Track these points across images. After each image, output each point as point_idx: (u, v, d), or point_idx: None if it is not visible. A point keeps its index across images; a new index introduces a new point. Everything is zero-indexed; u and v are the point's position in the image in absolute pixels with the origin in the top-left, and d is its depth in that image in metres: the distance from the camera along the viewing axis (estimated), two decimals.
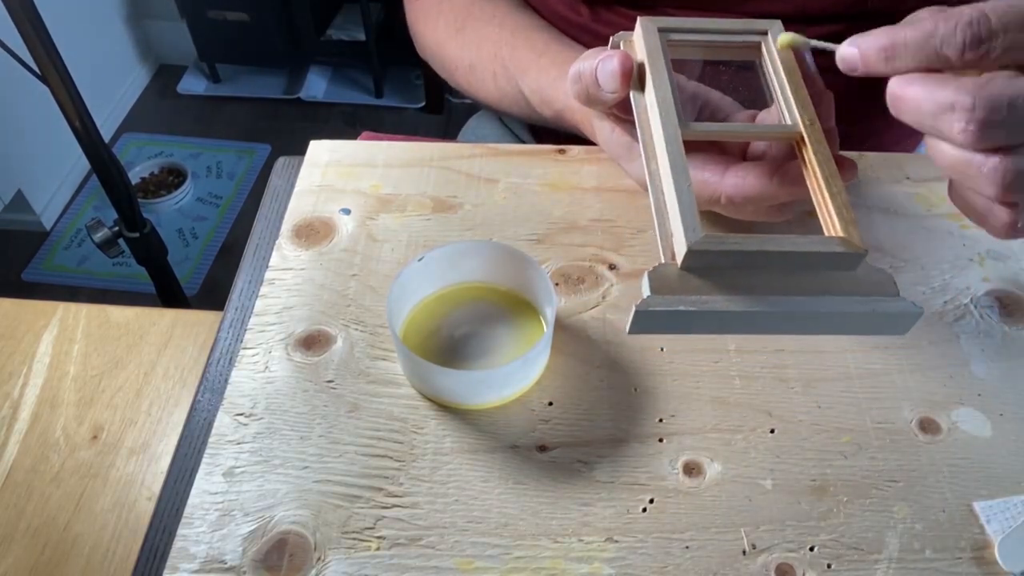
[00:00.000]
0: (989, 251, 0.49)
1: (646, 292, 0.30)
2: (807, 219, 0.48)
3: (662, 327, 0.31)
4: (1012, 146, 0.30)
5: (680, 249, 0.31)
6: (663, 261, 0.32)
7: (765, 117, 0.41)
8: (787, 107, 0.37)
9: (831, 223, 0.33)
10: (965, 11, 0.29)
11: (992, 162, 0.30)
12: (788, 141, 0.37)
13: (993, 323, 0.46)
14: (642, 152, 0.36)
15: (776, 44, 0.38)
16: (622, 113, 0.45)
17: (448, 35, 0.64)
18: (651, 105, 0.37)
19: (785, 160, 0.40)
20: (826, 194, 0.33)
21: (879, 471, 0.40)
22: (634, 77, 0.39)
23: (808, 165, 0.35)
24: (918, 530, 0.38)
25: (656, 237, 0.32)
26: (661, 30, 0.39)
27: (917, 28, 0.30)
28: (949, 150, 0.31)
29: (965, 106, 0.29)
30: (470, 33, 0.62)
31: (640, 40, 0.39)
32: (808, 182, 0.35)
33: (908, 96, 0.31)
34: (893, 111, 0.32)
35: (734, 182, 0.40)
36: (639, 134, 0.37)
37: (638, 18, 0.40)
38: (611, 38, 0.42)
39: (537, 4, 0.63)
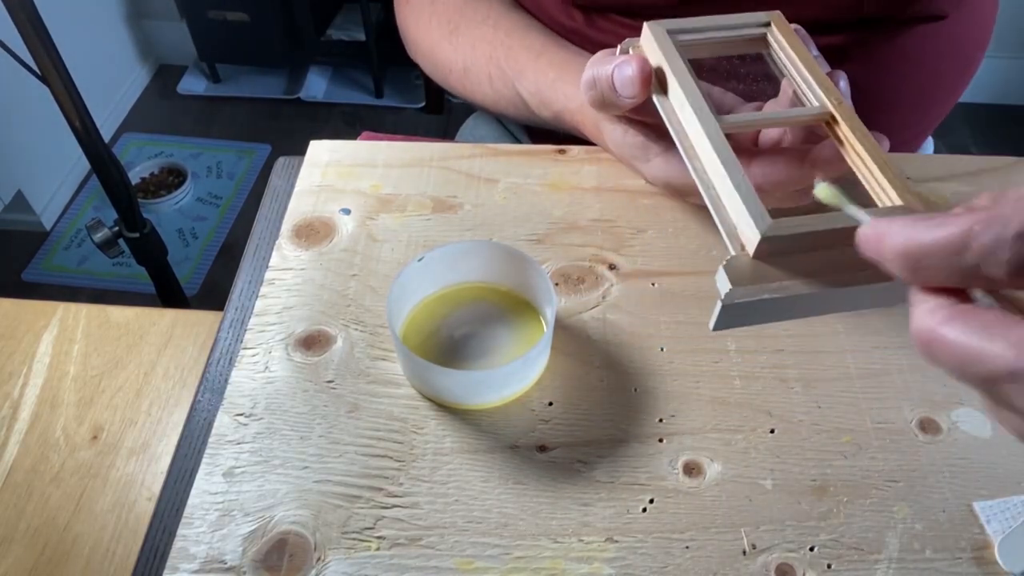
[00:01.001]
0: None
1: (725, 287, 0.29)
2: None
3: (744, 319, 0.30)
4: None
5: (751, 239, 0.30)
6: (732, 254, 0.31)
7: (773, 107, 0.41)
8: (810, 90, 0.37)
9: (883, 193, 0.32)
10: (1014, 217, 0.21)
11: None
12: (819, 122, 0.37)
13: None
14: (682, 153, 0.36)
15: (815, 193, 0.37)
16: (634, 115, 0.45)
17: (441, 36, 0.63)
18: (681, 106, 0.37)
19: (802, 144, 0.40)
20: (872, 166, 0.33)
21: (879, 471, 0.40)
22: (653, 81, 0.39)
23: (845, 142, 0.35)
24: (918, 530, 0.38)
25: (720, 232, 0.32)
26: (669, 32, 0.39)
27: (948, 229, 0.22)
28: (1016, 420, 0.23)
29: (1011, 374, 0.21)
30: (464, 35, 0.61)
31: (651, 43, 0.39)
32: (848, 158, 0.35)
33: (943, 350, 0.23)
34: (923, 356, 0.24)
35: (762, 171, 0.40)
36: (674, 136, 0.37)
37: (645, 23, 0.40)
38: (619, 45, 0.42)
39: (531, 8, 0.63)
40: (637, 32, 0.62)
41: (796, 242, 0.30)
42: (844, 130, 0.35)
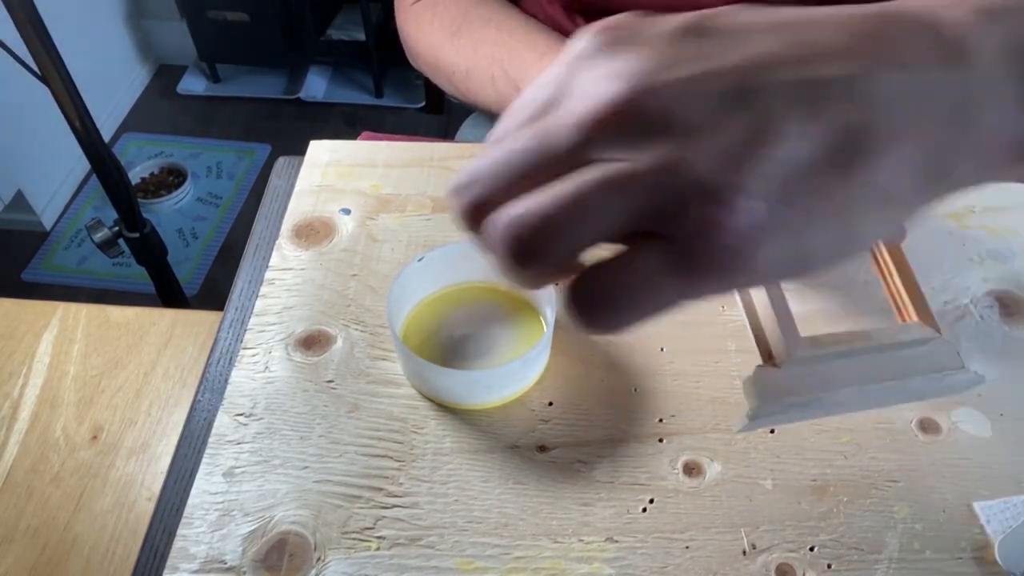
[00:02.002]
0: (989, 251, 0.49)
1: (753, 401, 0.31)
2: None
3: (767, 424, 0.32)
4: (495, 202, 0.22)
5: (779, 352, 0.32)
6: (759, 362, 0.32)
7: None
8: None
9: (904, 308, 0.34)
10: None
11: (485, 227, 0.23)
12: None
13: (993, 323, 0.46)
14: None
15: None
16: None
17: (443, 39, 0.63)
18: None
19: None
20: (896, 276, 0.34)
21: (879, 471, 0.40)
22: None
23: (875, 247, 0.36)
24: (918, 530, 0.38)
25: (748, 331, 0.33)
26: None
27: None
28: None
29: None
30: (466, 37, 0.61)
31: None
32: (874, 259, 0.36)
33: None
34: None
35: None
36: None
37: None
38: None
39: (535, 13, 0.63)
40: None
41: (820, 357, 0.32)
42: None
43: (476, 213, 0.23)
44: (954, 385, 0.33)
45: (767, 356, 0.32)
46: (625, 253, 0.22)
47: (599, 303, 0.22)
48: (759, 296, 0.33)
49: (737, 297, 0.34)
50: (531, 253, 0.22)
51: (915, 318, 0.33)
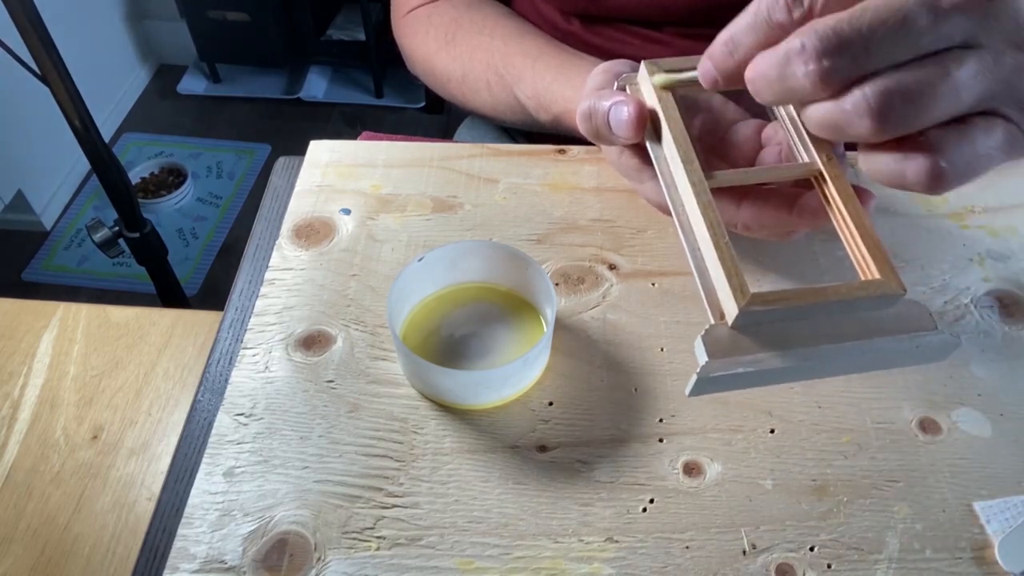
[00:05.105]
0: (989, 251, 0.49)
1: (703, 358, 0.30)
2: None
3: (721, 387, 0.32)
4: (866, 74, 0.29)
5: (730, 310, 0.31)
6: (712, 321, 0.32)
7: (771, 134, 0.41)
8: (802, 144, 0.37)
9: (865, 265, 0.33)
10: None
11: (854, 97, 0.29)
12: (807, 177, 0.37)
13: (993, 323, 0.46)
14: (669, 204, 0.37)
15: (652, 84, 0.38)
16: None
17: (438, 47, 0.63)
18: (672, 158, 0.37)
19: (793, 185, 0.40)
20: (855, 233, 0.33)
21: (879, 471, 0.40)
22: (648, 126, 0.39)
23: (831, 202, 0.35)
24: (918, 530, 0.38)
25: (700, 292, 0.33)
26: (667, 72, 0.39)
27: (745, 11, 0.31)
28: (814, 110, 0.31)
29: (796, 49, 0.29)
30: (461, 43, 0.61)
31: (648, 84, 0.39)
32: (832, 218, 0.36)
33: (756, 74, 0.31)
34: (758, 98, 0.32)
35: (751, 213, 0.40)
36: (663, 185, 0.37)
37: (642, 62, 0.40)
38: (616, 82, 0.42)
39: (530, 14, 0.63)
40: (635, 38, 0.62)
41: (773, 315, 0.31)
42: (831, 189, 0.35)
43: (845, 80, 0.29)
44: (928, 348, 0.32)
45: (719, 315, 0.32)
46: (965, 128, 0.29)
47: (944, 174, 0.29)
48: (710, 255, 0.33)
49: (688, 256, 0.34)
50: (897, 124, 0.29)
51: (876, 275, 0.32)
